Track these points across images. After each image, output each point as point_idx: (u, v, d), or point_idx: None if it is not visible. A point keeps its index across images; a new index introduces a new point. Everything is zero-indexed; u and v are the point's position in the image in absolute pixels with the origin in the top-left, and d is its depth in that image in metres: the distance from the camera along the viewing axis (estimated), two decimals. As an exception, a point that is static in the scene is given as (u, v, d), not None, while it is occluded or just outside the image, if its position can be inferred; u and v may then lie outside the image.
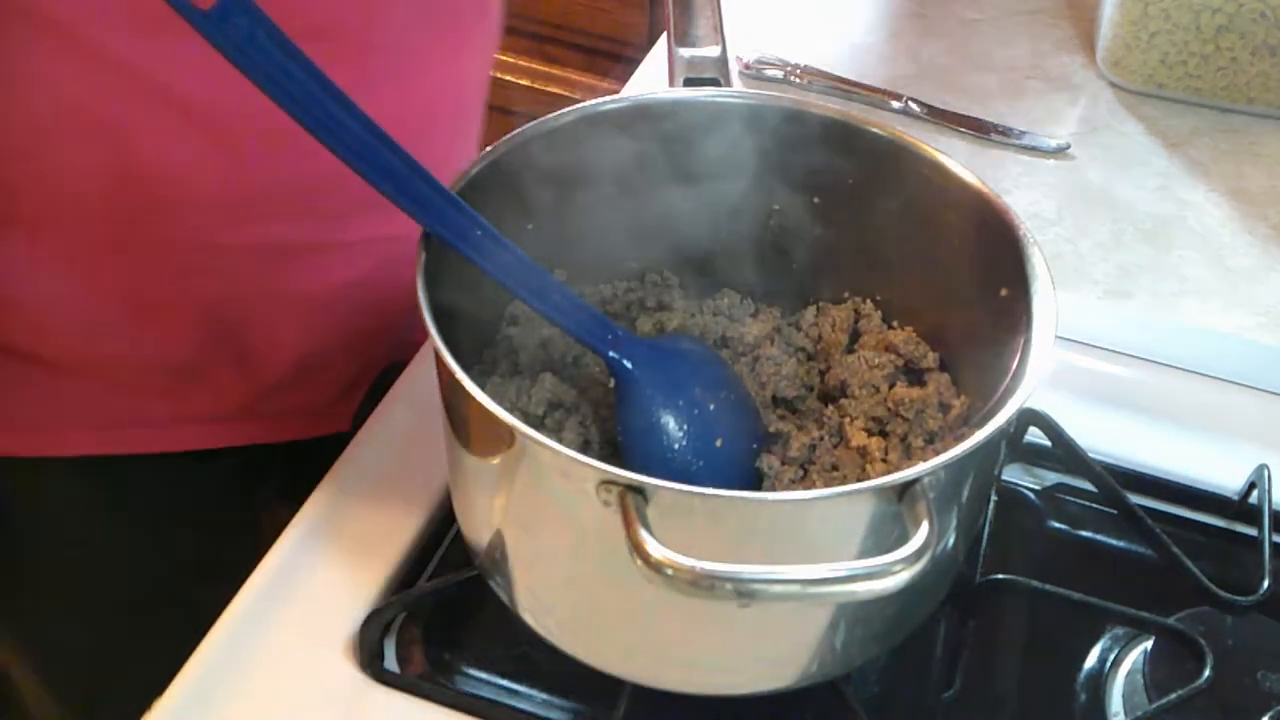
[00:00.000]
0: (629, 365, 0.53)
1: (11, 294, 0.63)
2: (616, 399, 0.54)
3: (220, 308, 0.66)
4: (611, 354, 0.52)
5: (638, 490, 0.40)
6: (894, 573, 0.39)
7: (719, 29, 0.66)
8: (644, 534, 0.39)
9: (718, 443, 0.53)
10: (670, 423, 0.53)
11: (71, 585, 0.73)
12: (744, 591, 0.38)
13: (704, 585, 0.38)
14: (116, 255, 0.62)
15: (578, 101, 0.57)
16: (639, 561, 0.39)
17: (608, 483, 0.41)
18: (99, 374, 0.67)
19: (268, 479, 0.75)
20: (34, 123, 0.57)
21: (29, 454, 0.69)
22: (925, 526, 0.40)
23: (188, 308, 0.65)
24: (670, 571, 0.38)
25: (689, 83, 0.62)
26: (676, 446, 0.52)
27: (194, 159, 0.59)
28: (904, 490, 0.42)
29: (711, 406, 0.54)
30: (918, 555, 0.39)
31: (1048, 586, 0.58)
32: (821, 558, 0.39)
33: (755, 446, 0.55)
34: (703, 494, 0.44)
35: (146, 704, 0.53)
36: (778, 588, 0.38)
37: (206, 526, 0.74)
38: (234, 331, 0.67)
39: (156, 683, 0.54)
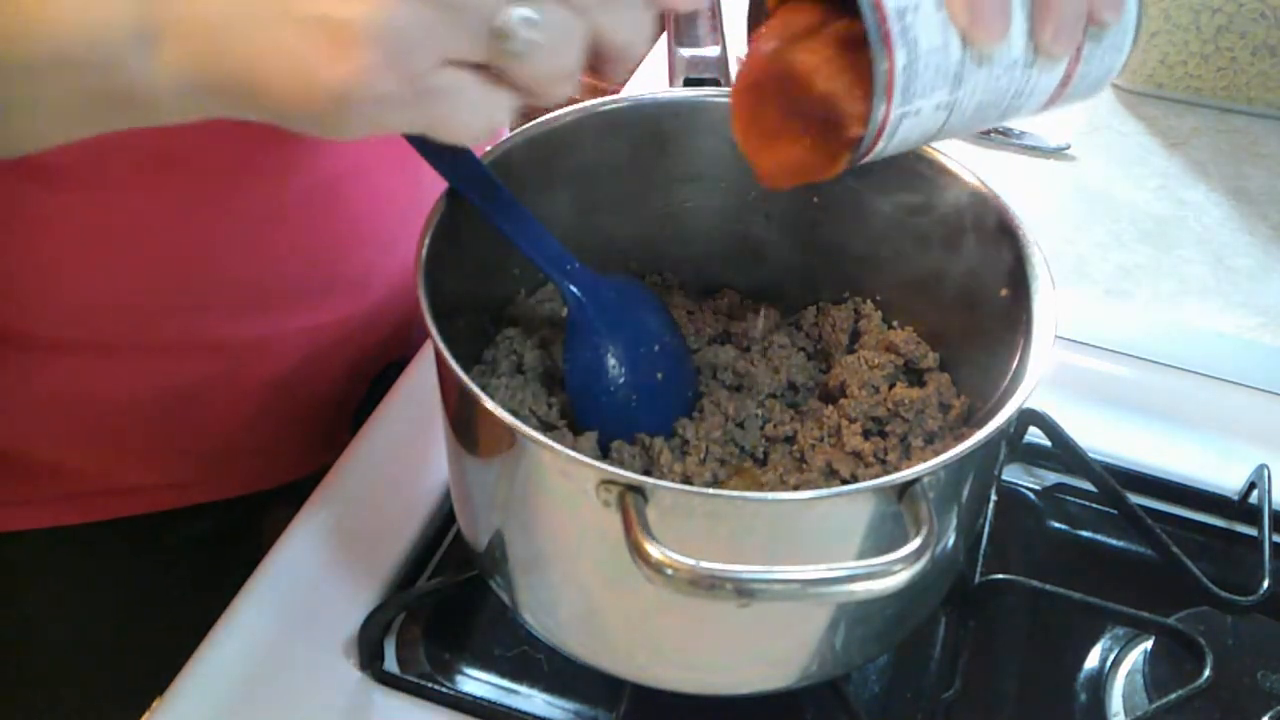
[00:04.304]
0: (580, 294, 0.53)
1: None
2: (567, 328, 0.54)
3: (165, 397, 0.67)
4: (567, 285, 0.53)
5: (638, 490, 0.40)
6: (894, 573, 0.39)
7: (719, 29, 0.66)
8: (644, 534, 0.39)
9: (658, 375, 0.56)
10: (616, 352, 0.54)
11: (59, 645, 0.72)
12: (744, 591, 0.38)
13: (704, 585, 0.38)
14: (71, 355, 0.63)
15: (578, 101, 0.56)
16: (639, 561, 0.39)
17: (608, 483, 0.41)
18: (64, 458, 0.68)
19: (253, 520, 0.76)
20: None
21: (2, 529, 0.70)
22: (925, 526, 0.40)
23: (131, 400, 0.66)
24: (670, 571, 0.38)
25: (689, 83, 0.62)
26: (619, 377, 0.54)
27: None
28: (904, 490, 0.41)
29: (656, 348, 0.56)
30: (917, 555, 0.39)
31: (1048, 586, 0.58)
32: (821, 558, 0.39)
33: (689, 394, 0.57)
34: (703, 494, 0.44)
35: (146, 704, 0.53)
36: (777, 588, 0.38)
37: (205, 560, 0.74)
38: (182, 419, 0.68)
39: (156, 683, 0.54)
